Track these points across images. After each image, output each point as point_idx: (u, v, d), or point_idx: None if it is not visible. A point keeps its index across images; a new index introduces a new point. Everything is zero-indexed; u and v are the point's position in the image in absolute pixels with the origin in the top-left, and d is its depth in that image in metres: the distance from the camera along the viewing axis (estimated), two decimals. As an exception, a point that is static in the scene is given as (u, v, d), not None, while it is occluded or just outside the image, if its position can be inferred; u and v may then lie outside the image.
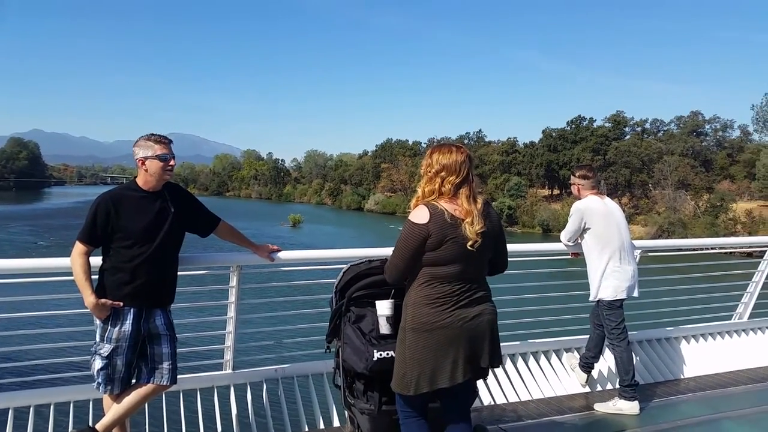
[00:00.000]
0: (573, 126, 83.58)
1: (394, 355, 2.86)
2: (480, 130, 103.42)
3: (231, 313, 3.86)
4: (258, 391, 4.04)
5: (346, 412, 3.36)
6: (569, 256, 4.58)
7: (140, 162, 3.10)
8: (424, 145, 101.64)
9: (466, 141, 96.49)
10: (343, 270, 3.23)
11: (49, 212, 78.89)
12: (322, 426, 3.96)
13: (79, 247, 3.01)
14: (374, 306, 3.06)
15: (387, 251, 3.42)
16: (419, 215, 2.63)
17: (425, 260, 2.64)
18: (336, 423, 3.96)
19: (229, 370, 3.99)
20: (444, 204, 2.64)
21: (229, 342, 3.92)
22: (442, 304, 2.64)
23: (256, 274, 4.42)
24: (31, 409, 3.57)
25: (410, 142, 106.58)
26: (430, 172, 2.71)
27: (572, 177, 4.43)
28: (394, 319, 3.00)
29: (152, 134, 3.14)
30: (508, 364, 4.62)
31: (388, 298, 3.04)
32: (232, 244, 3.60)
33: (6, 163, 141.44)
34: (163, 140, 3.14)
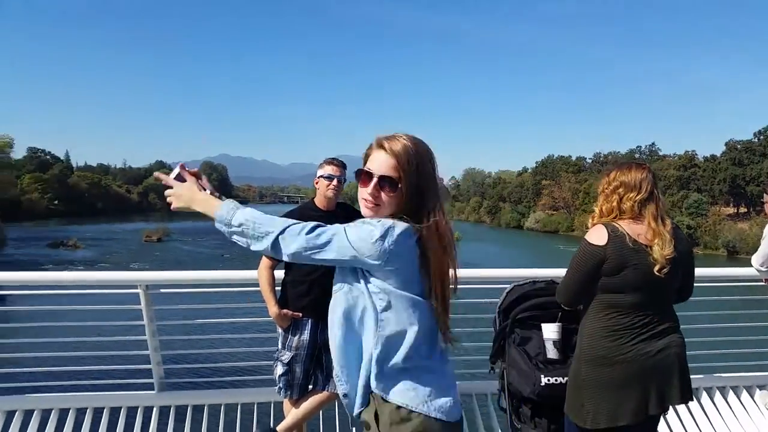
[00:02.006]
0: (762, 137, 74.52)
1: (562, 381, 2.78)
2: (653, 144, 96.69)
3: None
4: None
5: None
6: (762, 283, 4.10)
7: (315, 182, 3.40)
8: (589, 161, 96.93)
9: (637, 155, 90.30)
10: (507, 290, 3.19)
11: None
12: None
13: (264, 262, 3.32)
14: (540, 328, 2.99)
15: (552, 272, 3.34)
16: (596, 235, 2.50)
17: (602, 286, 2.50)
18: None
19: None
20: (625, 226, 2.48)
21: None
22: (621, 336, 2.48)
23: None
24: (222, 407, 3.98)
25: (573, 158, 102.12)
26: (607, 189, 2.58)
27: (765, 194, 3.98)
28: (562, 344, 2.91)
29: (330, 158, 3.41)
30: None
31: (554, 321, 2.96)
32: None
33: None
34: (334, 162, 3.39)
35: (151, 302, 3.69)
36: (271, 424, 3.47)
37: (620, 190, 2.53)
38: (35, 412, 3.77)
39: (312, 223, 1.71)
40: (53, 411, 3.80)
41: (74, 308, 4.07)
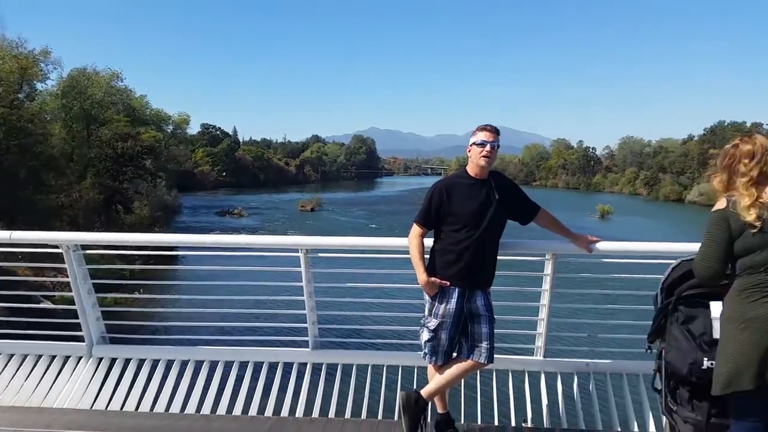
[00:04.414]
0: None
1: None
2: None
3: (544, 300, 3.89)
4: (568, 382, 4.00)
5: (664, 419, 3.10)
6: None
7: (468, 149, 3.37)
8: (766, 127, 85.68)
9: (829, 119, 77.93)
10: (672, 266, 2.96)
11: (379, 199, 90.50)
12: (636, 429, 3.74)
13: (415, 229, 3.37)
14: (707, 307, 2.75)
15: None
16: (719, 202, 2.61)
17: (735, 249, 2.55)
18: (652, 428, 3.69)
19: (540, 357, 4.04)
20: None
21: (541, 329, 3.97)
22: (749, 295, 2.47)
23: (571, 264, 4.34)
24: (369, 367, 4.19)
25: (748, 124, 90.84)
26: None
27: None
28: None
29: (483, 124, 3.35)
30: None
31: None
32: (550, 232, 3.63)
33: (350, 156, 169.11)
34: (487, 128, 3.33)
35: (310, 265, 3.94)
36: (415, 388, 3.56)
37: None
38: (204, 362, 4.23)
39: None
40: (219, 363, 4.24)
41: (240, 268, 4.47)
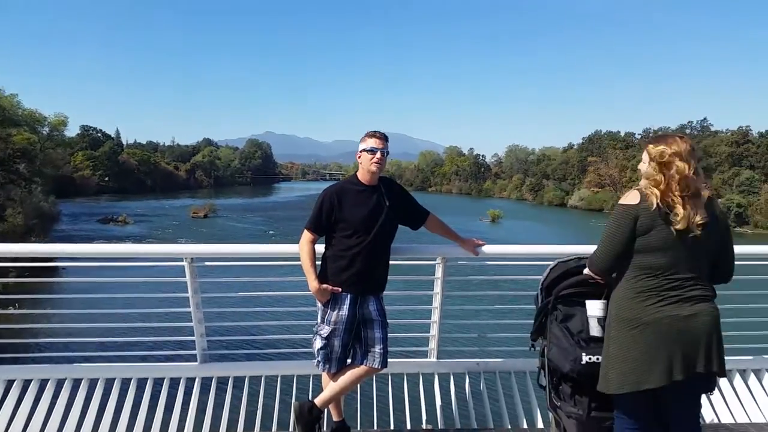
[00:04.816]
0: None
1: None
2: (705, 119, 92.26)
3: (436, 303, 3.97)
4: (461, 382, 4.10)
5: (550, 414, 3.26)
6: None
7: (358, 156, 3.36)
8: (638, 137, 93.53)
9: (688, 131, 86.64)
10: (550, 267, 3.12)
11: (277, 205, 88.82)
12: (525, 425, 3.89)
13: (306, 236, 3.31)
14: (584, 306, 2.92)
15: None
16: (629, 197, 2.59)
17: (635, 247, 2.56)
18: (540, 424, 3.86)
19: (433, 359, 4.11)
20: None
21: (434, 331, 4.04)
22: (647, 297, 2.52)
23: (461, 267, 4.47)
24: (262, 378, 4.05)
25: (622, 134, 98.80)
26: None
27: None
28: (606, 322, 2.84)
29: (372, 130, 3.35)
30: (738, 380, 4.10)
31: (599, 298, 2.87)
32: (440, 236, 3.71)
33: (245, 161, 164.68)
34: (376, 135, 3.33)
35: (196, 275, 3.76)
36: (310, 397, 3.50)
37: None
38: (83, 381, 3.92)
39: None
40: (99, 380, 3.94)
41: (122, 280, 4.19)
